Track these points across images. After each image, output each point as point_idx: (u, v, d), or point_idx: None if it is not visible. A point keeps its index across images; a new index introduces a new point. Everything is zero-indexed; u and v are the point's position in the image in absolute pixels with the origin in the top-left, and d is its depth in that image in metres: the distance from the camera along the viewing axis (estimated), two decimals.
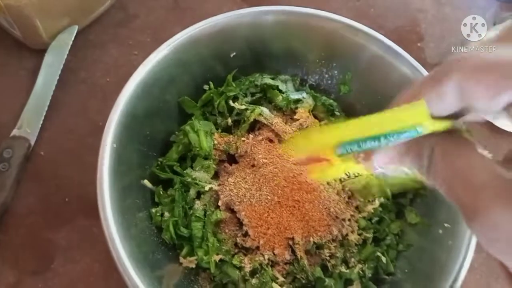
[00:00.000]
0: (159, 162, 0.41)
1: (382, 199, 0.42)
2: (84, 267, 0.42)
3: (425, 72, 0.42)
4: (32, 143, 0.46)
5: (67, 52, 0.49)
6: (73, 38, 0.49)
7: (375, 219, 0.42)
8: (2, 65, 0.50)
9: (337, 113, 0.46)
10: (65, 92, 0.49)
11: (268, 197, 0.39)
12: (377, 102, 0.45)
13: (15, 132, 0.46)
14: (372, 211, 0.42)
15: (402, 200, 0.43)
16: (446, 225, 0.38)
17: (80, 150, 0.47)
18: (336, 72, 0.47)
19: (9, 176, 0.43)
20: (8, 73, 0.50)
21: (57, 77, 0.48)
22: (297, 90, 0.47)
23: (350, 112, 0.47)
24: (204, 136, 0.40)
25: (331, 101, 0.46)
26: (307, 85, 0.47)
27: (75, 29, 0.50)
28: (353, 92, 0.47)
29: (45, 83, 0.48)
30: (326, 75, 0.47)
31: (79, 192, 0.45)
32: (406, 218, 0.42)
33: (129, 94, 0.36)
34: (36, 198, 0.45)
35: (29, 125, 0.46)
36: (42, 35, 0.48)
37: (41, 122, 0.47)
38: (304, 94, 0.45)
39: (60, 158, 0.46)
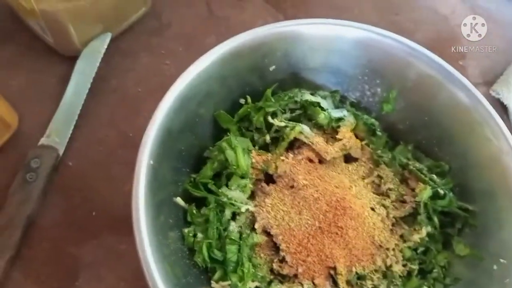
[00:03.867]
0: (192, 179, 0.39)
1: (429, 228, 0.39)
2: (109, 286, 0.40)
3: (477, 93, 0.40)
4: (61, 153, 0.44)
5: (100, 60, 0.47)
6: (106, 46, 0.48)
7: (421, 249, 0.39)
8: (32, 71, 0.49)
9: (379, 133, 0.44)
10: (95, 101, 0.48)
11: (309, 222, 0.37)
12: (423, 123, 0.43)
13: (43, 141, 0.44)
14: (419, 240, 0.39)
15: (450, 229, 0.40)
16: (502, 260, 0.35)
17: (108, 162, 0.45)
18: (379, 89, 0.44)
19: (36, 187, 0.41)
20: (38, 80, 0.49)
21: (89, 86, 0.46)
22: (336, 107, 0.44)
23: (392, 132, 0.45)
24: (241, 153, 0.38)
25: (373, 120, 0.44)
26: (347, 102, 0.45)
27: (108, 36, 0.48)
28: (396, 112, 0.44)
29: (76, 91, 0.46)
30: (368, 92, 0.45)
31: (106, 206, 0.43)
32: (454, 249, 0.39)
33: (167, 108, 0.34)
34: (61, 210, 0.43)
35: (58, 134, 0.44)
36: (74, 42, 0.47)
37: (71, 131, 0.45)
38: (345, 112, 0.43)
39: (88, 169, 0.45)
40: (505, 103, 0.55)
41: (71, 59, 0.49)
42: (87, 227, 0.42)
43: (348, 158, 0.43)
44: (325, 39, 0.40)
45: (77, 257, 0.41)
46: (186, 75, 0.36)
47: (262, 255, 0.38)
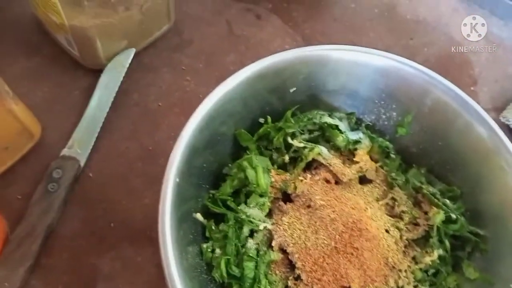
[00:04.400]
0: (211, 195, 0.40)
1: (440, 251, 0.40)
2: None
3: (492, 122, 0.41)
4: (82, 164, 0.45)
5: (123, 75, 0.49)
6: (129, 61, 0.49)
7: (431, 271, 0.40)
8: (57, 83, 0.51)
9: (393, 156, 0.45)
10: (117, 114, 0.49)
11: (325, 242, 0.37)
12: (436, 148, 0.44)
13: (65, 151, 0.45)
14: (430, 263, 0.39)
15: (460, 253, 0.41)
16: None
17: (128, 174, 0.46)
18: (394, 113, 0.45)
19: (57, 197, 0.42)
20: (62, 92, 0.50)
21: (112, 99, 0.48)
22: (352, 129, 0.46)
23: (405, 154, 0.46)
24: (262, 173, 0.39)
25: (387, 143, 0.45)
26: (363, 124, 0.46)
27: (132, 51, 0.50)
28: (410, 135, 0.45)
29: (99, 104, 0.47)
30: (384, 116, 0.46)
31: (125, 218, 0.44)
32: (464, 272, 0.40)
33: (193, 127, 0.36)
34: (81, 221, 0.44)
35: (80, 146, 0.45)
36: (100, 56, 0.48)
37: (93, 143, 0.46)
38: (361, 135, 0.44)
39: (108, 181, 0.46)
40: None
41: (95, 72, 0.50)
42: (106, 238, 0.43)
43: (363, 180, 0.44)
44: (347, 64, 0.42)
45: (96, 267, 0.42)
46: (213, 95, 0.37)
47: (277, 272, 0.38)
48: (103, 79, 0.48)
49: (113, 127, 0.48)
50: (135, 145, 0.48)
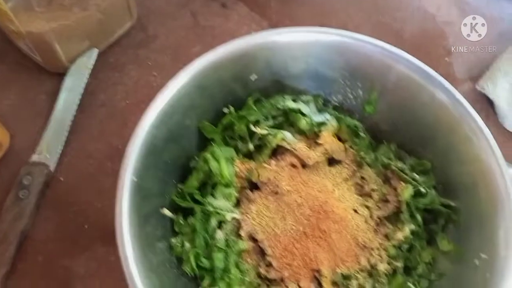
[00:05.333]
0: (179, 190, 0.40)
1: (412, 226, 0.40)
2: None
3: (455, 92, 0.40)
4: (52, 169, 0.45)
5: (87, 76, 0.49)
6: (93, 62, 0.49)
7: (405, 246, 0.40)
8: (23, 89, 0.51)
9: (362, 134, 0.44)
10: (84, 116, 0.49)
11: (293, 227, 0.37)
12: (405, 123, 0.43)
13: (34, 157, 0.45)
14: (402, 239, 0.39)
15: (434, 226, 0.41)
16: (483, 255, 0.36)
17: (99, 175, 0.46)
18: (361, 92, 0.45)
19: (28, 204, 0.42)
20: (27, 97, 0.50)
21: (77, 102, 0.48)
22: (319, 111, 0.45)
23: (376, 132, 0.45)
24: (225, 163, 0.39)
25: (356, 122, 0.44)
26: (330, 105, 0.45)
27: (95, 52, 0.49)
28: (379, 112, 0.45)
29: (65, 108, 0.47)
30: (351, 95, 0.45)
31: (98, 219, 0.45)
32: (438, 246, 0.40)
33: (148, 124, 0.35)
34: (54, 224, 0.44)
35: (48, 151, 0.45)
36: (61, 59, 0.48)
37: (61, 147, 0.46)
38: (328, 116, 0.44)
39: (79, 183, 0.46)
40: (491, 97, 0.56)
41: (60, 76, 0.50)
42: (80, 239, 0.43)
43: (332, 161, 0.43)
44: (303, 46, 0.41)
45: (71, 269, 0.42)
46: (165, 91, 0.37)
47: (249, 260, 0.39)
48: (67, 82, 0.48)
49: (81, 129, 0.48)
50: (104, 146, 0.47)
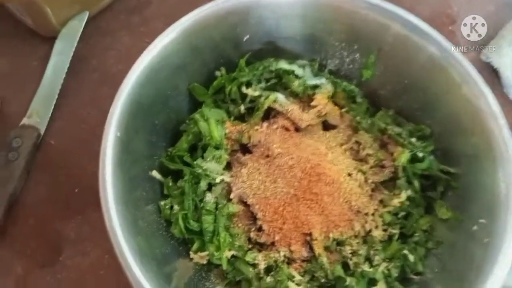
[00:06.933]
0: (168, 153, 0.39)
1: (409, 192, 0.38)
2: (94, 260, 0.41)
3: (455, 53, 0.38)
4: (42, 132, 0.45)
5: (78, 39, 0.47)
6: (83, 25, 0.48)
7: (402, 213, 0.39)
8: (15, 54, 0.50)
9: (359, 100, 0.43)
10: (76, 81, 0.48)
11: (284, 190, 0.36)
12: (403, 87, 0.42)
13: (24, 121, 0.45)
14: (399, 205, 0.38)
15: (432, 193, 0.39)
16: (481, 220, 0.35)
17: (91, 139, 0.45)
18: (357, 55, 0.43)
19: (18, 166, 0.42)
20: (20, 63, 0.49)
21: (67, 65, 0.47)
22: (315, 75, 0.44)
23: (374, 98, 0.44)
24: (215, 124, 0.38)
25: (353, 87, 0.43)
26: (326, 70, 0.44)
27: (85, 15, 0.48)
28: (377, 77, 0.43)
29: (55, 72, 0.46)
30: (347, 59, 0.44)
31: (90, 183, 0.43)
32: (437, 213, 0.39)
33: (134, 81, 0.34)
34: (45, 188, 0.44)
35: (39, 114, 0.45)
36: (52, 22, 0.47)
37: (51, 111, 0.45)
38: (323, 80, 0.42)
39: (70, 147, 0.45)
40: (495, 67, 0.53)
41: (52, 40, 0.49)
42: (71, 203, 0.43)
43: (328, 126, 0.42)
44: (294, 4, 0.39)
45: (62, 233, 0.42)
46: (152, 47, 0.36)
47: (240, 225, 0.38)
48: (57, 46, 0.47)
49: (73, 94, 0.47)
50: (96, 111, 0.46)
